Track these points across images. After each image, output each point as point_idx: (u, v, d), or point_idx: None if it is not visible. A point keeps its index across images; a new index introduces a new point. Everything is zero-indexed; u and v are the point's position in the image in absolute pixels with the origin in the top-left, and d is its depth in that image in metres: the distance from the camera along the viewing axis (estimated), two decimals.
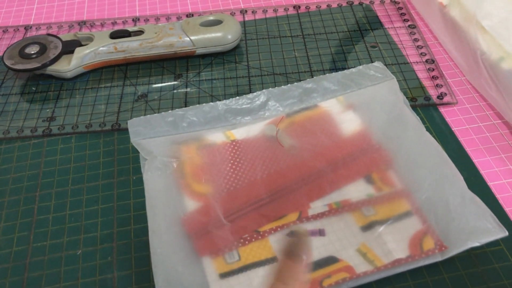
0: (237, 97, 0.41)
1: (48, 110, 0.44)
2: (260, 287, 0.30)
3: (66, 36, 0.48)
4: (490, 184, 0.36)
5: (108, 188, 0.37)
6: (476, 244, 0.31)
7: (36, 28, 0.53)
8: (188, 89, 0.45)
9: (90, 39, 0.47)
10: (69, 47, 0.46)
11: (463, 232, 0.31)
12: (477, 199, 0.33)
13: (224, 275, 0.31)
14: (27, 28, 0.53)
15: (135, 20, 0.53)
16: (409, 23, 0.50)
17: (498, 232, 0.31)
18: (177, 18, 0.53)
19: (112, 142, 0.41)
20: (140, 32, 0.47)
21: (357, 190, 0.35)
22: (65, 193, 0.37)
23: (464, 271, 0.31)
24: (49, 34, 0.48)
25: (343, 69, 0.43)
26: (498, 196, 0.35)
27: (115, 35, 0.47)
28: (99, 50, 0.46)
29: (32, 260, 0.33)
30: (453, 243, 0.31)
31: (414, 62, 0.46)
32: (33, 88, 0.46)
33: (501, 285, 0.30)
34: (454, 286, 0.30)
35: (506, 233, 0.31)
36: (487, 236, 0.31)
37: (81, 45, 0.47)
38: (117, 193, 0.37)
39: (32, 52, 0.45)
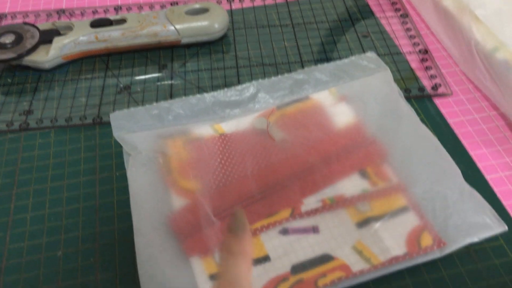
0: (225, 89, 0.39)
1: (25, 103, 0.41)
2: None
3: (43, 25, 0.45)
4: (487, 177, 0.35)
5: (90, 186, 0.35)
6: (475, 239, 0.30)
7: (11, 17, 0.50)
8: (173, 81, 0.43)
9: (69, 28, 0.45)
10: (47, 37, 0.44)
11: (462, 227, 0.30)
12: (476, 193, 0.32)
13: (214, 276, 0.29)
14: (1, 16, 0.50)
15: (117, 8, 0.51)
16: (401, 12, 0.49)
17: (498, 227, 0.30)
18: (161, 6, 0.51)
19: (93, 137, 0.38)
20: (122, 21, 0.45)
21: (351, 185, 0.34)
22: (44, 191, 0.35)
23: (464, 268, 0.30)
24: (25, 23, 0.45)
25: (335, 59, 0.42)
26: (496, 190, 0.34)
27: (96, 24, 0.44)
28: (79, 39, 0.44)
29: (8, 263, 0.31)
30: (452, 239, 0.30)
31: (407, 52, 0.44)
32: (9, 80, 0.44)
33: (501, 281, 0.29)
34: (453, 283, 0.29)
35: (506, 228, 0.30)
36: (486, 232, 0.30)
37: (60, 35, 0.44)
38: (99, 191, 0.35)
39: (7, 42, 0.43)
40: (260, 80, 0.40)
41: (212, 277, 0.29)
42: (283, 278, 0.29)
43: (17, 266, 0.31)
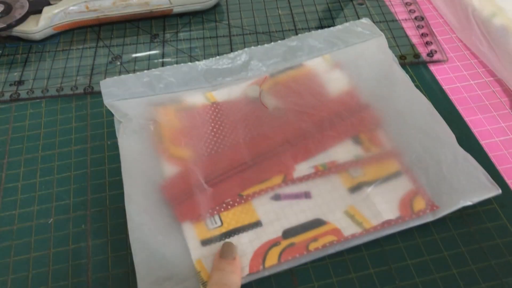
0: (218, 57, 0.39)
1: (15, 74, 0.41)
2: (243, 253, 0.29)
3: None
4: (482, 142, 0.34)
5: (81, 154, 0.35)
6: (469, 203, 0.30)
7: None
8: (165, 50, 0.42)
9: None
10: (37, 7, 0.43)
11: (455, 191, 0.30)
12: (470, 157, 0.32)
13: (206, 242, 0.29)
14: None
15: None
16: None
17: (491, 190, 0.30)
18: None
19: (84, 106, 0.38)
20: None
21: (344, 151, 0.33)
22: (35, 160, 0.35)
23: (456, 231, 0.30)
24: None
25: (329, 27, 0.41)
26: (490, 154, 0.33)
27: None
28: (70, 9, 0.43)
29: (0, 230, 0.31)
30: (445, 203, 0.30)
31: (402, 20, 0.44)
32: None
33: (494, 244, 0.29)
34: (445, 247, 0.29)
35: (499, 191, 0.30)
36: (479, 195, 0.30)
37: (50, 5, 0.43)
38: (90, 159, 0.35)
39: None
40: (252, 47, 0.39)
41: (204, 242, 0.29)
42: (274, 243, 0.29)
43: (9, 233, 0.31)
